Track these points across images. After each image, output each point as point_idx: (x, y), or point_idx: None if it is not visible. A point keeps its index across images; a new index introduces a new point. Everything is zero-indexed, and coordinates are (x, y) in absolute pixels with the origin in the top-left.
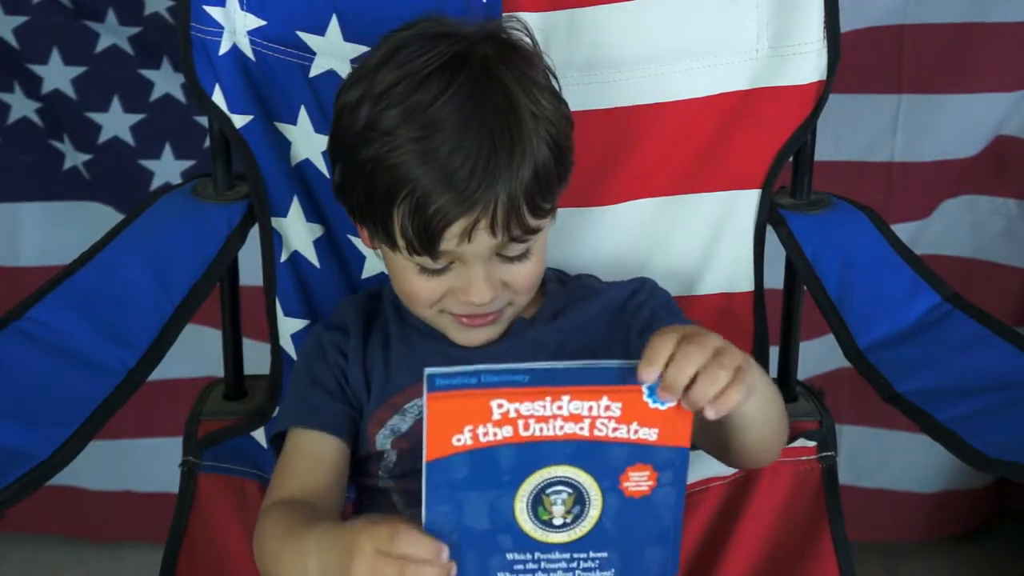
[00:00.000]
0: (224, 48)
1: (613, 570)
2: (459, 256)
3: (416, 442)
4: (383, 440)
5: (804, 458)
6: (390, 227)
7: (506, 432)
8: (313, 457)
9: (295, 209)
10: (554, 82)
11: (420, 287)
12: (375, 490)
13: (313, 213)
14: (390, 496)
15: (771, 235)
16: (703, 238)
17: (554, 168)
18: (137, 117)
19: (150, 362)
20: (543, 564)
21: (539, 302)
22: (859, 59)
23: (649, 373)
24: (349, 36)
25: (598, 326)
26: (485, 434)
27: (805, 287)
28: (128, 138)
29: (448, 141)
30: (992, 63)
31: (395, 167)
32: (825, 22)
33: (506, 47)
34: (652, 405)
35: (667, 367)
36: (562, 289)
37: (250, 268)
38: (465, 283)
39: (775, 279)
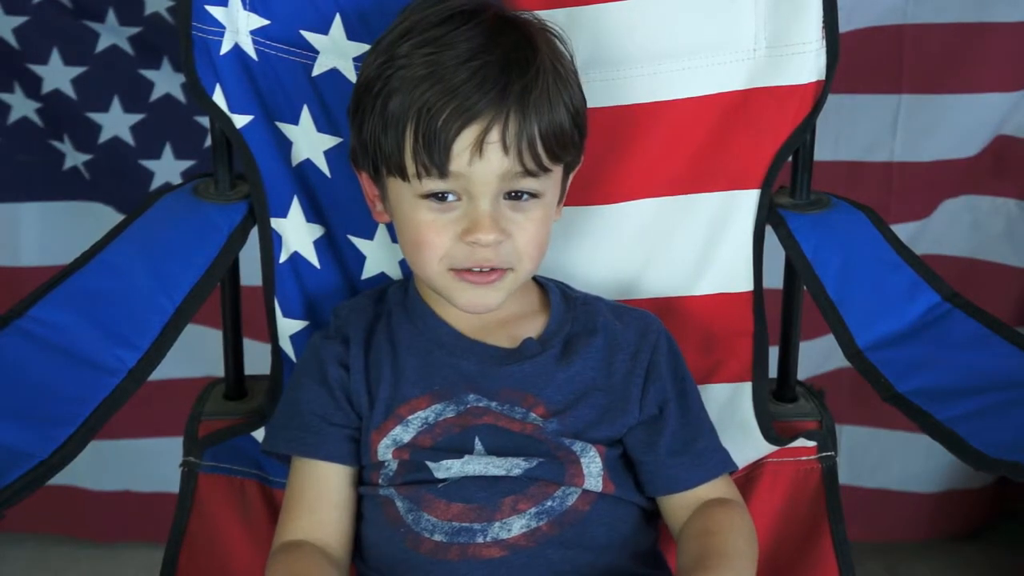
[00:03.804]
0: (225, 48)
1: None
2: (468, 182)
3: (415, 453)
4: (384, 450)
5: (804, 458)
6: (403, 150)
7: None
8: (318, 488)
9: (295, 209)
10: (575, 62)
11: (428, 232)
12: (376, 497)
13: (313, 213)
14: (393, 502)
15: (771, 235)
16: (702, 238)
17: (569, 128)
18: (137, 117)
19: (151, 362)
20: None
21: (545, 317)
22: (859, 59)
23: None
24: (352, 35)
25: (606, 364)
26: None
27: (805, 287)
28: (128, 138)
29: (460, 56)
30: (992, 63)
31: (406, 83)
32: (824, 22)
33: (525, 20)
34: None
35: None
36: (567, 308)
37: (251, 268)
38: (472, 221)
39: (775, 279)
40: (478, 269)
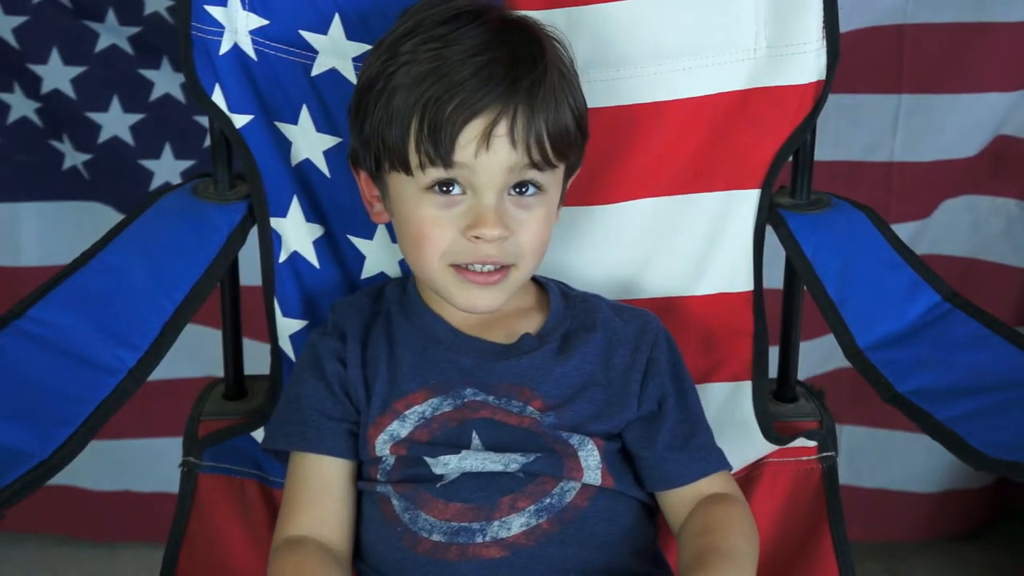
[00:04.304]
0: (225, 48)
1: None
2: (473, 174)
3: (413, 448)
4: (382, 445)
5: (804, 458)
6: (406, 143)
7: None
8: (319, 482)
9: (295, 209)
10: (575, 66)
11: (431, 227)
12: (373, 494)
13: (313, 213)
14: (390, 500)
15: (771, 235)
16: (703, 238)
17: (574, 128)
18: (137, 117)
19: (150, 362)
20: None
21: (543, 314)
22: (859, 59)
23: None
24: (352, 35)
25: (605, 359)
26: None
27: (805, 287)
28: (128, 138)
29: (465, 52)
30: (992, 63)
31: (411, 78)
32: (824, 22)
33: (529, 21)
34: None
35: None
36: (566, 306)
37: (250, 268)
38: (476, 216)
39: (775, 279)
40: (480, 267)
